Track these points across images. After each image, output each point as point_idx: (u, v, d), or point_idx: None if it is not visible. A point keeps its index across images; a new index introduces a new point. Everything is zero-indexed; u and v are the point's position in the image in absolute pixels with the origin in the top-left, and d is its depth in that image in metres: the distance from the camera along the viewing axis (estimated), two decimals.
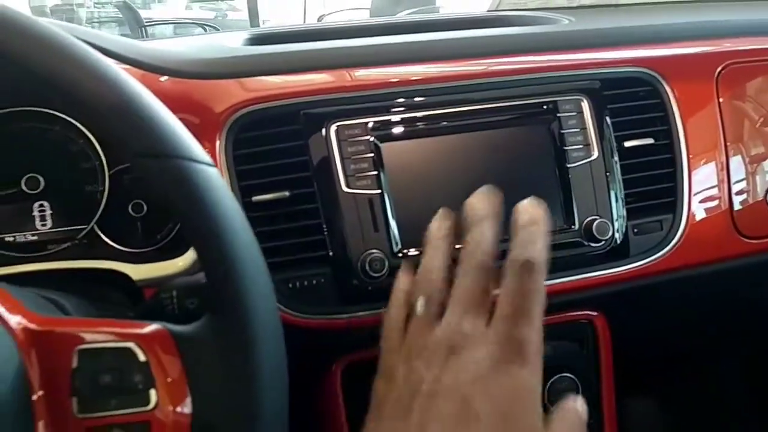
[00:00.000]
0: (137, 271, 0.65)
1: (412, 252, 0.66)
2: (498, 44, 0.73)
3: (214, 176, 0.43)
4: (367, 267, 0.64)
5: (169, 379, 0.40)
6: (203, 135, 0.64)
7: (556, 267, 0.69)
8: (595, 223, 0.69)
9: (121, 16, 4.75)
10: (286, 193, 0.65)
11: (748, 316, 0.89)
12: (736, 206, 0.74)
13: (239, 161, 0.65)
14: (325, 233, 0.65)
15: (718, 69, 0.74)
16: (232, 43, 0.82)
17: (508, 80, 0.70)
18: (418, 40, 0.75)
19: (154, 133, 0.40)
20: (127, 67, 0.66)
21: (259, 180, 0.65)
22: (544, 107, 0.70)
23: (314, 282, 0.65)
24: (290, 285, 0.65)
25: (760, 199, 0.75)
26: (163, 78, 0.66)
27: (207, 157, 0.43)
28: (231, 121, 0.65)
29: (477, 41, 0.73)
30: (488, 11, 1.08)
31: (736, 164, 0.74)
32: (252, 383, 0.40)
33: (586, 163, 0.70)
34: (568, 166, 0.69)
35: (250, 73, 0.67)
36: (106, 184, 0.65)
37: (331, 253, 0.65)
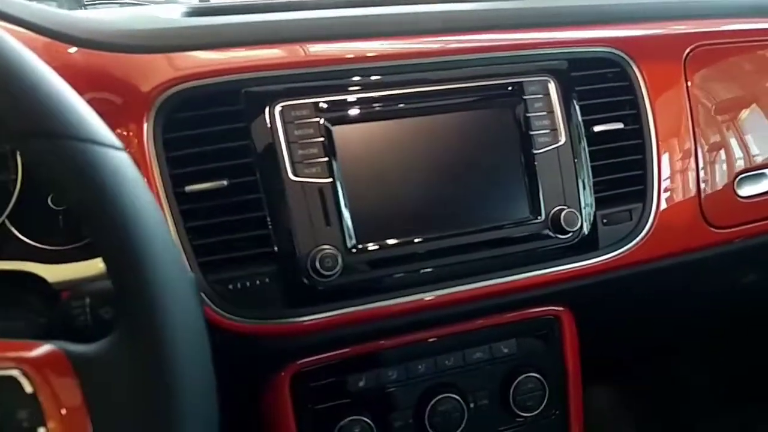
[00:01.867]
0: (53, 273, 0.56)
1: (370, 247, 0.60)
2: (460, 20, 0.67)
3: (122, 162, 0.35)
4: (318, 264, 0.58)
5: (64, 411, 0.32)
6: (126, 117, 0.56)
7: (520, 261, 0.65)
8: (562, 214, 0.64)
9: None
10: (224, 183, 0.57)
11: (714, 306, 0.87)
12: (705, 194, 0.71)
13: (170, 146, 0.57)
14: (270, 227, 0.58)
15: (687, 51, 0.71)
16: (169, 15, 0.73)
17: (470, 59, 0.64)
18: (373, 13, 0.68)
19: (41, 108, 0.32)
20: (23, 32, 0.56)
21: (193, 167, 0.57)
22: (509, 88, 0.65)
23: (258, 282, 0.58)
24: (230, 286, 0.58)
25: (728, 186, 0.72)
26: (73, 49, 0.57)
27: (112, 139, 0.36)
28: (160, 100, 0.57)
29: (437, 16, 0.67)
30: None
31: (704, 150, 0.71)
32: (169, 413, 0.33)
33: (553, 149, 0.65)
34: (534, 152, 0.65)
35: (183, 47, 0.59)
36: (19, 172, 0.56)
37: (276, 250, 0.58)
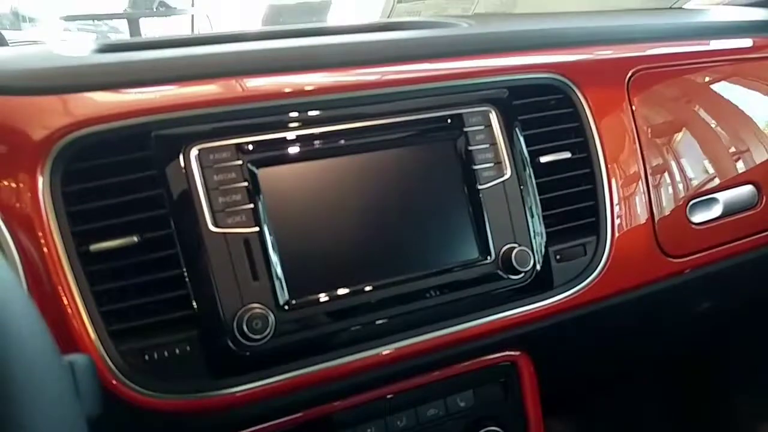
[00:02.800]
0: None
1: (305, 302, 0.54)
2: (394, 49, 0.63)
3: None
4: (246, 327, 0.51)
5: None
6: (15, 168, 0.49)
7: (472, 306, 0.60)
8: (513, 252, 0.59)
9: None
10: (135, 239, 0.50)
11: (668, 335, 0.84)
12: (658, 223, 0.67)
13: (71, 200, 0.50)
14: (189, 287, 0.51)
15: (629, 74, 0.69)
16: (77, 52, 0.66)
17: (406, 90, 0.60)
18: (296, 45, 0.63)
19: None
20: None
21: (98, 223, 0.51)
22: (449, 120, 0.60)
23: (177, 351, 0.51)
24: (146, 356, 0.51)
25: (681, 213, 0.69)
26: None
27: None
28: (57, 149, 0.50)
29: (368, 46, 0.63)
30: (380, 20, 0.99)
31: (654, 177, 0.68)
32: None
33: (498, 183, 0.61)
34: (479, 187, 0.60)
35: (81, 87, 0.52)
36: None
37: (197, 312, 0.51)
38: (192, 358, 0.52)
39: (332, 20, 2.75)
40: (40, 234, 0.49)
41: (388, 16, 1.00)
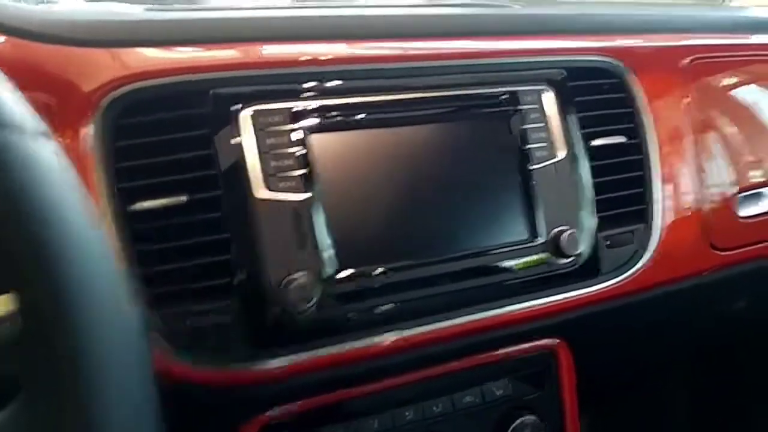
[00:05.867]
0: None
1: (351, 275, 0.52)
2: (453, 23, 0.61)
3: (42, 155, 0.26)
4: (290, 296, 0.49)
5: None
6: (63, 120, 0.47)
7: (515, 289, 0.59)
8: (563, 236, 0.58)
9: None
10: (183, 198, 0.48)
11: (718, 331, 0.82)
12: (706, 215, 0.66)
13: (120, 156, 0.48)
14: (234, 251, 0.49)
15: (685, 63, 0.67)
16: (130, 10, 0.64)
17: (461, 65, 0.58)
18: (357, 13, 0.61)
19: None
20: None
21: (146, 180, 0.49)
22: (503, 98, 0.59)
23: (218, 318, 0.49)
24: (187, 322, 0.49)
25: (729, 205, 0.68)
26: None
27: (28, 119, 0.27)
28: (107, 102, 0.48)
29: (428, 19, 0.61)
30: None
31: (705, 168, 0.66)
32: None
33: (551, 164, 0.59)
34: (531, 167, 0.58)
35: (137, 41, 0.50)
36: None
37: (241, 278, 0.49)
38: (232, 326, 0.50)
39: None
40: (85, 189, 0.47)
41: None
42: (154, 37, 0.51)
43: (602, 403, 1.03)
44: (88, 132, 0.48)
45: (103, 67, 0.49)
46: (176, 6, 0.65)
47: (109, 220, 0.47)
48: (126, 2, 0.65)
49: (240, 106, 0.50)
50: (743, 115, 0.71)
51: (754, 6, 0.98)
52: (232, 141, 0.50)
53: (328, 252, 0.51)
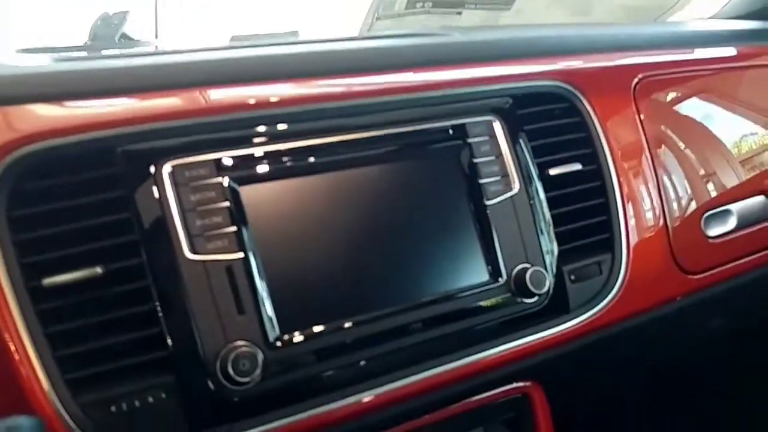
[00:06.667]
0: None
1: (298, 338, 0.47)
2: (388, 56, 0.58)
3: None
4: (230, 368, 0.44)
5: None
6: None
7: (481, 335, 0.54)
8: (527, 273, 0.54)
9: None
10: (98, 270, 0.43)
11: (688, 356, 0.79)
12: (674, 238, 0.63)
13: (20, 226, 0.43)
14: (163, 323, 0.44)
15: (635, 81, 0.65)
16: (30, 62, 0.58)
17: (404, 99, 0.55)
18: (283, 52, 0.57)
19: None
20: None
21: (53, 253, 0.43)
22: (450, 131, 0.55)
23: (150, 400, 0.43)
24: (112, 408, 0.43)
25: (696, 226, 0.65)
26: None
27: None
28: (2, 166, 0.42)
29: (363, 53, 0.57)
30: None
31: (667, 187, 0.64)
32: None
33: (506, 198, 0.56)
34: (486, 203, 0.55)
35: (32, 97, 0.45)
36: None
37: (173, 352, 0.44)
38: (167, 408, 0.44)
39: None
40: None
41: (368, 32, 0.96)
42: (51, 92, 0.46)
43: None
44: None
45: None
46: (80, 55, 0.61)
47: (11, 299, 0.42)
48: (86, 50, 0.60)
49: (156, 161, 0.45)
50: (698, 131, 0.69)
51: (692, 19, 0.98)
52: (151, 201, 0.45)
53: (268, 315, 0.46)
